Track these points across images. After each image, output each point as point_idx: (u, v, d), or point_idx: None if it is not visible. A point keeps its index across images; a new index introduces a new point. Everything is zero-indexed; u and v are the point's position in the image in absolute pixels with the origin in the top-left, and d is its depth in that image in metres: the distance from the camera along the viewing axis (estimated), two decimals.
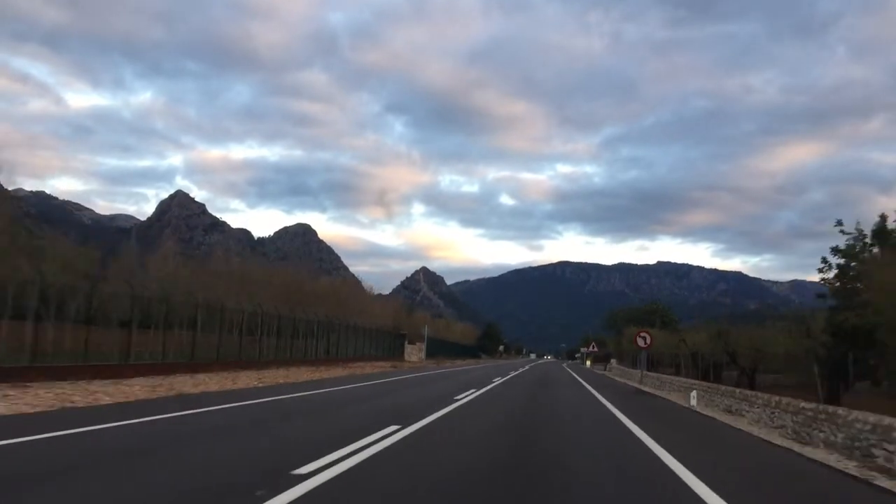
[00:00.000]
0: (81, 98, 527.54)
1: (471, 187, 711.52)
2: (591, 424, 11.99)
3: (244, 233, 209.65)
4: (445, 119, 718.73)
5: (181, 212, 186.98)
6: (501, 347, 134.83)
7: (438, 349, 71.40)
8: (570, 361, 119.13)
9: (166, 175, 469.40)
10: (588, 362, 75.54)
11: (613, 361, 59.36)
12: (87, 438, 7.52)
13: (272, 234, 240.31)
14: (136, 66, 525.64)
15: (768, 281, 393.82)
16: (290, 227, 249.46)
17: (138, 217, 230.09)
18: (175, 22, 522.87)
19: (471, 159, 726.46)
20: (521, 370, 43.57)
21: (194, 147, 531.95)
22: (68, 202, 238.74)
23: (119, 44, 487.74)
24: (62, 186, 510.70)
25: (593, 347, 70.73)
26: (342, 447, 7.06)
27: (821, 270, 24.68)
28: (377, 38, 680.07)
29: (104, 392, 13.21)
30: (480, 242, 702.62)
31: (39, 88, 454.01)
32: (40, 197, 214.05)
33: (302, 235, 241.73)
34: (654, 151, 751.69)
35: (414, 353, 59.51)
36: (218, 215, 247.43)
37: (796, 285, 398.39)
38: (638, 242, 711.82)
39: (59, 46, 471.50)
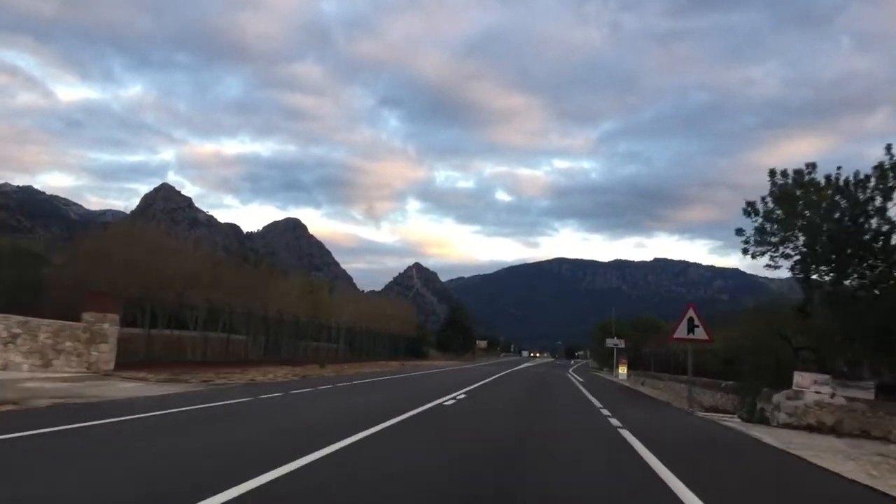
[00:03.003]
0: (71, 91, 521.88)
1: (466, 183, 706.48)
2: None
3: (232, 227, 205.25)
4: (441, 113, 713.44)
5: (166, 205, 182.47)
6: (483, 343, 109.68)
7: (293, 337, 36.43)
8: (573, 363, 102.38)
9: (158, 170, 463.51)
10: (622, 369, 39.18)
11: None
12: None
13: (261, 228, 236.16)
14: (125, 58, 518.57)
15: (766, 278, 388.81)
16: (279, 221, 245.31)
17: (127, 213, 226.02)
18: (163, 12, 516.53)
19: (466, 154, 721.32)
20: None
21: (186, 142, 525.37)
22: (55, 197, 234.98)
23: (107, 35, 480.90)
24: (53, 182, 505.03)
25: (697, 328, 18.90)
26: None
27: None
28: (371, 28, 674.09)
29: None
30: (476, 239, 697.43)
31: (28, 81, 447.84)
32: (28, 192, 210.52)
33: (292, 230, 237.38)
34: (652, 146, 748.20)
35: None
36: (206, 210, 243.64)
37: (794, 283, 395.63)
38: (635, 239, 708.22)
39: (47, 37, 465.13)
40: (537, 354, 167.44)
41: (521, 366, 62.41)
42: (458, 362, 64.18)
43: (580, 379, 36.36)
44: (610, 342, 47.94)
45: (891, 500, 6.63)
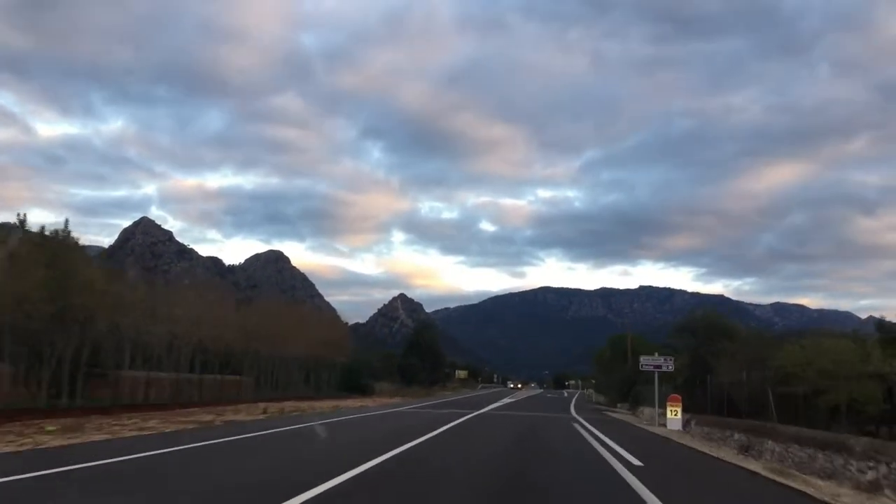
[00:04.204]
0: (51, 127, 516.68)
1: (451, 214, 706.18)
2: None
3: (214, 261, 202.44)
4: (424, 144, 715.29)
5: (146, 239, 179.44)
6: (463, 373, 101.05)
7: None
8: (566, 394, 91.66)
9: (140, 205, 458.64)
10: (673, 412, 23.81)
11: None
12: None
13: (243, 261, 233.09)
14: (105, 93, 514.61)
15: (750, 304, 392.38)
16: (261, 254, 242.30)
17: (106, 247, 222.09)
18: (143, 45, 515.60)
19: (450, 185, 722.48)
20: None
21: (168, 176, 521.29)
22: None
23: (86, 69, 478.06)
24: (33, 218, 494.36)
25: None
26: None
27: None
28: (352, 60, 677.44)
29: None
30: (461, 270, 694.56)
31: (7, 117, 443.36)
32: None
33: (274, 263, 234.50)
34: (635, 174, 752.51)
35: None
36: (186, 243, 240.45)
37: (778, 308, 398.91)
38: (620, 267, 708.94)
39: (25, 73, 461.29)
40: (520, 386, 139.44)
41: (497, 403, 43.56)
42: (401, 399, 47.07)
43: (636, 461, 12.32)
44: (647, 362, 29.12)
45: None
